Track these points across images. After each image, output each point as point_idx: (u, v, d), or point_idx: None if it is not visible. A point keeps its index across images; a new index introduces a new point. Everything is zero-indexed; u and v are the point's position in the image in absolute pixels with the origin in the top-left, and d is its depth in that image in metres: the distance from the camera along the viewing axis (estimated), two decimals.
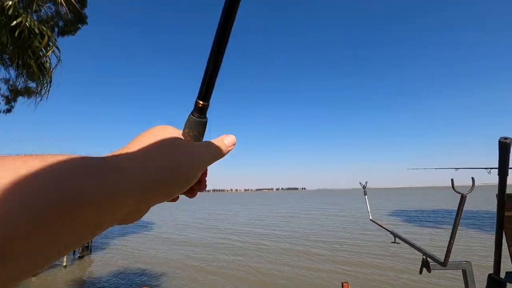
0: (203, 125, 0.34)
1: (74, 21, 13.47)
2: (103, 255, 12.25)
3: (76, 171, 0.19)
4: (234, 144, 0.36)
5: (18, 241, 0.16)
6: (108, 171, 0.21)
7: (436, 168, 4.59)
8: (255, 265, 9.47)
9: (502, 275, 1.57)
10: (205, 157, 0.31)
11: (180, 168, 0.27)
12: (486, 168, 3.09)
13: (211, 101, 0.33)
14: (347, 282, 3.51)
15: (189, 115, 0.33)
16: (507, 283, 1.48)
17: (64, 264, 10.45)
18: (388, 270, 8.70)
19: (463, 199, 1.02)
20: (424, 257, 1.31)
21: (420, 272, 1.34)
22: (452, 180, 1.02)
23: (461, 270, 1.29)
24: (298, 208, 37.21)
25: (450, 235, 1.13)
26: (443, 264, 1.17)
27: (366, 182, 2.35)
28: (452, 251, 1.16)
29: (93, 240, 13.77)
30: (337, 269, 8.93)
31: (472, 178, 1.02)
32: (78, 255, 12.02)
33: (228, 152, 0.35)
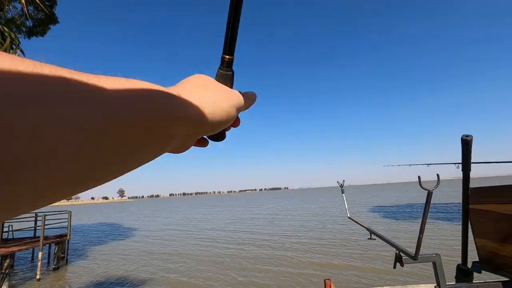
0: (231, 77, 0.38)
1: (45, 21, 12.78)
2: (79, 266, 11.70)
3: (157, 90, 0.24)
4: (255, 99, 0.42)
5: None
6: (176, 97, 0.26)
7: (410, 165, 4.77)
8: (233, 274, 9.30)
9: (470, 265, 1.66)
10: (240, 99, 0.36)
11: (224, 103, 0.33)
12: (454, 163, 3.24)
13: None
14: (329, 279, 3.55)
15: (217, 69, 0.37)
16: (474, 272, 1.57)
17: (38, 276, 9.90)
18: (369, 268, 8.92)
19: (429, 195, 1.07)
20: (397, 251, 1.36)
21: (394, 267, 1.39)
22: (419, 177, 1.06)
23: (431, 263, 1.35)
24: (280, 209, 37.36)
25: (419, 230, 1.18)
26: (414, 258, 1.22)
27: (343, 180, 2.40)
28: (428, 244, 1.21)
29: (69, 248, 13.20)
30: (320, 272, 9.02)
31: (437, 175, 1.07)
32: (53, 266, 11.44)
33: (251, 105, 0.40)
